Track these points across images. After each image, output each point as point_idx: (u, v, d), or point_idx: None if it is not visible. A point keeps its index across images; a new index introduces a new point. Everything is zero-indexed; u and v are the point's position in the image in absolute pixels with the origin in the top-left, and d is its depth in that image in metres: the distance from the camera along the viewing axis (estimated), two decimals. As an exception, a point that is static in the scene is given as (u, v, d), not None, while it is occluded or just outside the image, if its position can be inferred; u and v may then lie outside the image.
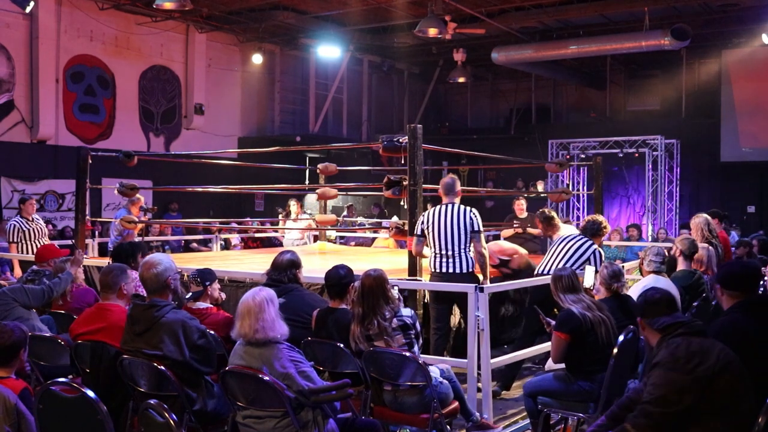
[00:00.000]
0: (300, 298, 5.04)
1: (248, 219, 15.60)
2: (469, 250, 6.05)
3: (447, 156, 19.40)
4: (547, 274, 6.00)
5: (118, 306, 4.47)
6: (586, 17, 14.95)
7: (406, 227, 6.39)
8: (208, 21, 15.73)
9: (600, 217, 7.03)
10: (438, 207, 6.18)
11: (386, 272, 4.68)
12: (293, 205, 11.50)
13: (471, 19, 14.61)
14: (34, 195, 12.57)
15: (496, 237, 10.59)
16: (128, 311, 4.25)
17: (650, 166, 16.31)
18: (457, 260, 6.02)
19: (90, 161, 8.27)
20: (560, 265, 6.15)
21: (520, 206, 9.95)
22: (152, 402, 3.48)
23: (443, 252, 6.05)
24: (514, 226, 9.91)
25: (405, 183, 6.27)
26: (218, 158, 12.92)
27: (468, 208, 6.12)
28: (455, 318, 6.37)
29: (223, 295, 5.33)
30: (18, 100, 13.61)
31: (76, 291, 5.91)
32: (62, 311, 5.75)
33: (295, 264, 5.17)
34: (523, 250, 7.41)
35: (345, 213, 15.89)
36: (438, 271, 6.10)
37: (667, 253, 6.13)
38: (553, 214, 7.50)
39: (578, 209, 16.95)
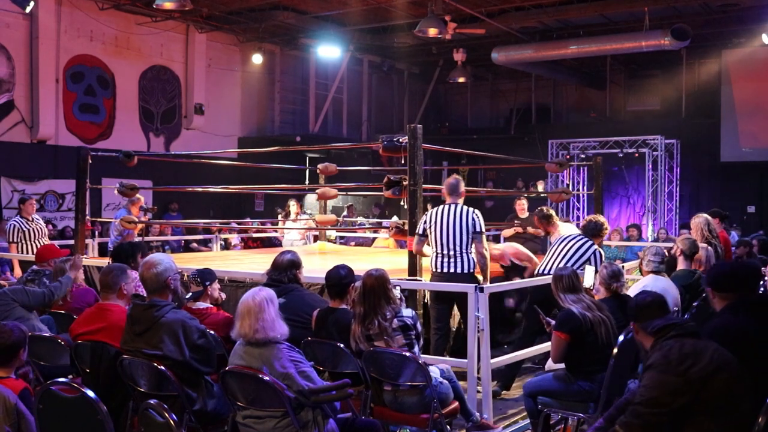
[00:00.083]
0: (300, 298, 5.04)
1: (248, 219, 15.60)
2: (471, 251, 6.06)
3: (447, 156, 19.41)
4: (548, 273, 6.01)
5: (118, 306, 4.47)
6: (586, 17, 14.95)
7: (406, 227, 6.39)
8: (208, 21, 15.73)
9: (600, 218, 7.04)
10: (441, 207, 6.19)
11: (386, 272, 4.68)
12: (293, 205, 11.50)
13: (471, 19, 14.61)
14: (34, 195, 12.58)
15: (496, 237, 10.61)
16: (128, 311, 4.25)
17: (650, 166, 16.31)
18: (458, 260, 6.03)
19: (90, 161, 8.26)
20: (561, 265, 6.16)
21: (522, 206, 9.97)
22: (152, 402, 3.48)
23: (444, 252, 6.06)
24: (515, 225, 9.92)
25: (405, 183, 6.27)
26: (218, 158, 12.92)
27: (471, 209, 6.13)
28: (454, 320, 6.37)
29: (223, 295, 5.33)
30: (18, 100, 13.61)
31: (76, 291, 5.91)
32: (62, 311, 5.75)
33: (295, 264, 5.17)
34: (536, 259, 7.37)
35: (345, 213, 15.89)
36: (439, 270, 6.11)
37: (666, 253, 6.13)
38: (552, 212, 7.49)
39: (578, 209, 16.95)
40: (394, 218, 13.33)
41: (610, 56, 17.91)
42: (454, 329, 6.39)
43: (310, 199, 15.66)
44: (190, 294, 5.11)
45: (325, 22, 15.93)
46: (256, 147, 14.70)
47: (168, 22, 15.37)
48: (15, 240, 8.99)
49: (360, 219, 15.16)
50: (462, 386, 4.88)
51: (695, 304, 5.75)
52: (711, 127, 17.46)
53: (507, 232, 10.18)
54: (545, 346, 5.61)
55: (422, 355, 4.71)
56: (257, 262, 7.85)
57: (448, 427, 4.59)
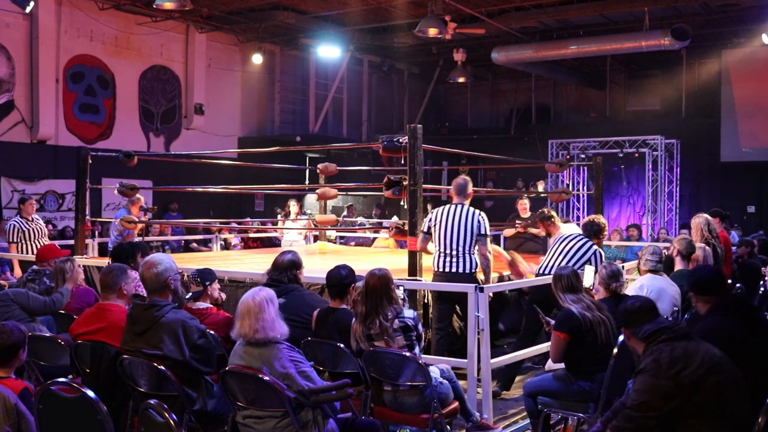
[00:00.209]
0: (300, 298, 5.04)
1: (248, 219, 15.60)
2: (474, 252, 6.07)
3: (447, 156, 19.39)
4: (548, 273, 6.01)
5: (118, 306, 4.47)
6: (586, 17, 14.95)
7: (406, 227, 6.39)
8: (208, 21, 15.73)
9: (600, 218, 7.04)
10: (447, 206, 6.20)
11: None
12: (293, 205, 11.49)
13: (471, 19, 14.61)
14: (34, 195, 12.58)
15: (496, 237, 10.62)
16: (128, 311, 4.25)
17: (650, 166, 16.31)
18: (460, 260, 6.04)
19: (90, 161, 8.27)
20: (561, 265, 6.15)
21: (524, 206, 10.00)
22: (152, 402, 3.49)
23: (447, 251, 6.07)
24: (516, 225, 9.94)
25: (405, 183, 6.27)
26: (218, 158, 12.92)
27: (477, 211, 6.15)
28: (456, 325, 6.37)
29: (223, 296, 5.33)
30: (18, 100, 13.61)
31: (76, 291, 5.90)
32: (62, 311, 5.74)
33: (295, 264, 5.17)
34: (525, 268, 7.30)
35: (345, 213, 15.89)
36: (441, 270, 6.13)
37: (664, 253, 6.14)
38: (553, 213, 7.50)
39: (578, 209, 16.95)
40: (394, 218, 13.33)
41: (610, 56, 17.91)
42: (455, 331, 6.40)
43: (310, 199, 15.66)
44: (190, 294, 5.12)
45: (325, 22, 15.93)
46: (256, 147, 14.70)
47: (168, 22, 15.37)
48: (15, 240, 8.99)
49: (360, 219, 15.16)
50: (462, 386, 4.89)
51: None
52: (711, 127, 17.46)
53: (508, 232, 10.19)
54: (545, 346, 5.61)
55: (422, 355, 4.72)
56: (257, 262, 7.85)
57: (448, 427, 4.59)
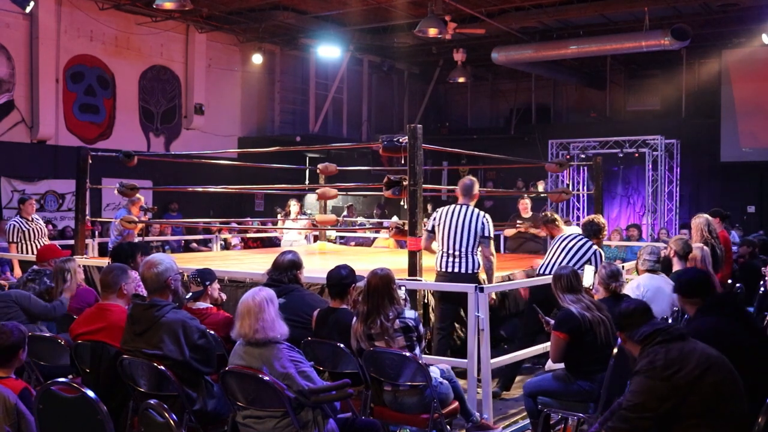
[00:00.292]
0: (300, 298, 5.04)
1: (248, 219, 15.60)
2: (477, 252, 6.07)
3: (447, 156, 19.40)
4: (549, 273, 6.01)
5: (118, 306, 4.47)
6: (586, 17, 14.94)
7: (406, 227, 6.39)
8: (208, 21, 15.73)
9: (600, 218, 7.02)
10: (452, 207, 6.21)
11: (386, 272, 4.68)
12: (293, 205, 11.49)
13: (471, 19, 14.60)
14: (34, 195, 12.58)
15: (497, 236, 10.62)
16: (128, 311, 4.25)
17: (650, 166, 16.31)
18: (463, 260, 6.05)
19: (90, 161, 8.26)
20: (562, 264, 6.15)
21: (525, 206, 10.02)
22: (152, 402, 3.49)
23: (450, 252, 6.09)
24: (517, 225, 9.96)
25: (405, 183, 6.27)
26: (218, 158, 12.92)
27: (481, 213, 6.16)
28: (456, 335, 6.37)
29: (224, 296, 5.33)
30: (18, 100, 13.61)
31: (76, 291, 5.91)
32: (62, 311, 5.75)
33: (296, 264, 5.17)
34: None
35: (345, 213, 15.89)
36: (443, 270, 6.14)
37: (662, 254, 6.14)
38: (556, 216, 7.50)
39: (578, 209, 16.94)
40: (394, 218, 13.33)
41: (610, 56, 17.90)
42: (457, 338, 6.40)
43: (310, 199, 15.66)
44: (190, 294, 5.11)
45: (325, 22, 15.92)
46: (256, 147, 14.70)
47: (168, 22, 15.37)
48: (15, 240, 8.99)
49: (360, 219, 15.16)
50: (462, 386, 4.89)
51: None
52: (711, 127, 17.46)
53: (509, 232, 10.19)
54: (545, 346, 5.61)
55: (423, 356, 4.71)
56: (257, 262, 7.85)
57: (448, 427, 4.59)
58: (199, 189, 11.84)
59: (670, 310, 5.66)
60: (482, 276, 6.12)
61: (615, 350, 4.28)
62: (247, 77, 17.72)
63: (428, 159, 17.00)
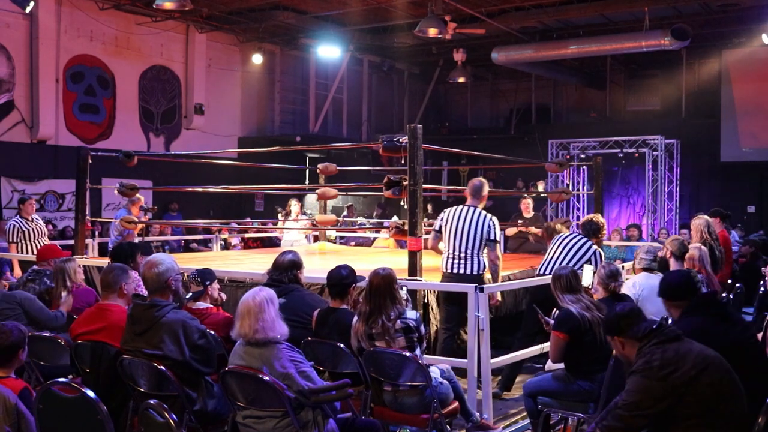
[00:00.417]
0: (300, 298, 5.04)
1: (248, 219, 15.60)
2: (482, 254, 6.07)
3: (447, 156, 19.40)
4: (548, 273, 6.00)
5: (119, 306, 4.47)
6: (586, 17, 14.95)
7: (406, 227, 6.39)
8: (208, 21, 15.73)
9: (599, 217, 7.00)
10: (459, 207, 6.21)
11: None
12: (294, 204, 11.48)
13: (471, 19, 14.60)
14: (34, 195, 12.58)
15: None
16: (129, 311, 4.25)
17: (650, 166, 16.30)
18: (468, 262, 6.05)
19: (90, 161, 8.25)
20: (562, 264, 6.15)
21: (527, 206, 10.04)
22: (152, 402, 3.48)
23: (456, 253, 6.09)
24: (518, 224, 9.97)
25: (405, 183, 6.26)
26: (218, 158, 12.92)
27: (488, 216, 6.14)
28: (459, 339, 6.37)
29: (224, 296, 5.33)
30: (18, 100, 13.61)
31: (77, 291, 5.90)
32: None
33: (296, 264, 5.17)
34: None
35: (345, 213, 15.89)
36: (448, 271, 6.15)
37: (658, 254, 6.13)
38: (558, 225, 7.45)
39: (578, 209, 16.94)
40: (394, 218, 13.33)
41: (610, 56, 17.90)
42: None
43: (310, 199, 15.66)
44: (190, 294, 5.11)
45: (325, 22, 15.93)
46: (256, 147, 14.69)
47: (168, 22, 15.37)
48: (15, 240, 8.99)
49: (360, 219, 15.15)
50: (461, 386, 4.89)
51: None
52: (711, 127, 17.46)
53: (510, 231, 10.20)
54: (545, 346, 5.61)
55: (423, 356, 4.71)
56: (257, 262, 7.85)
57: (448, 427, 4.60)
58: (199, 189, 11.84)
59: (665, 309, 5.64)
60: (487, 276, 6.12)
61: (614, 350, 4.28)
62: (247, 77, 17.73)
63: (428, 159, 17.00)
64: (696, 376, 3.16)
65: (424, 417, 4.41)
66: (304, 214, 13.07)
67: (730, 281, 7.53)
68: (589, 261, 6.28)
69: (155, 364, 3.95)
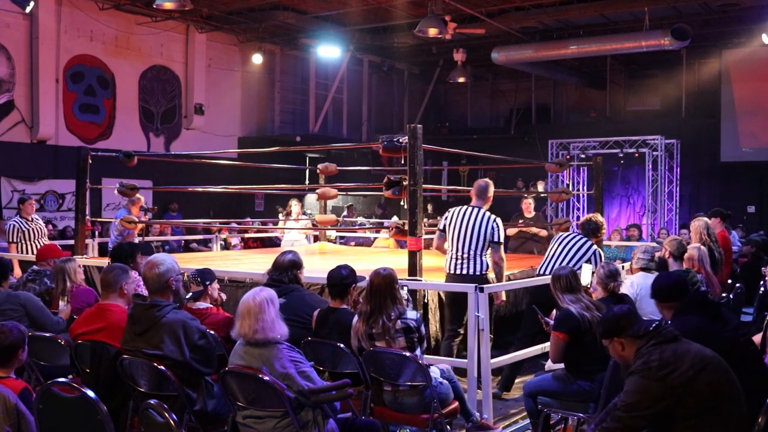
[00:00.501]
0: (300, 298, 5.04)
1: (248, 219, 15.60)
2: (485, 254, 6.07)
3: (447, 156, 19.39)
4: (548, 273, 6.00)
5: (119, 306, 4.47)
6: (586, 17, 14.95)
7: (406, 227, 6.39)
8: (208, 21, 15.73)
9: (598, 216, 6.99)
10: (464, 208, 6.21)
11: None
12: (294, 204, 11.48)
13: (471, 19, 14.61)
14: (34, 195, 12.59)
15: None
16: (129, 311, 4.25)
17: (650, 166, 16.31)
18: (471, 262, 6.06)
19: (90, 161, 8.26)
20: (561, 264, 6.15)
21: (528, 206, 10.05)
22: (152, 402, 3.49)
23: (459, 254, 6.10)
24: (519, 224, 9.98)
25: (405, 183, 6.26)
26: (218, 158, 12.92)
27: (492, 217, 6.14)
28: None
29: (224, 296, 5.32)
30: (18, 100, 13.61)
31: (77, 291, 5.90)
32: (63, 311, 5.74)
33: (296, 264, 5.17)
34: None
35: (345, 213, 15.89)
36: (451, 272, 6.16)
37: (656, 255, 6.13)
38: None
39: (578, 209, 16.94)
40: (394, 218, 13.33)
41: (610, 56, 17.90)
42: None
43: (310, 199, 15.66)
44: (190, 294, 5.11)
45: (325, 22, 15.93)
46: (256, 147, 14.71)
47: (168, 22, 15.38)
48: (14, 240, 8.98)
49: (360, 219, 15.16)
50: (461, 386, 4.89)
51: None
52: (711, 127, 17.47)
53: (510, 231, 10.20)
54: (545, 346, 5.61)
55: (423, 356, 4.71)
56: (257, 262, 7.85)
57: (448, 427, 4.60)
58: (199, 189, 11.84)
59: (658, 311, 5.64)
60: (491, 276, 6.12)
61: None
62: (247, 77, 17.73)
63: (428, 159, 17.00)
64: (694, 376, 3.16)
65: (424, 417, 4.41)
66: (305, 214, 13.07)
67: (730, 281, 7.53)
68: (588, 261, 6.28)
69: (155, 364, 3.95)
